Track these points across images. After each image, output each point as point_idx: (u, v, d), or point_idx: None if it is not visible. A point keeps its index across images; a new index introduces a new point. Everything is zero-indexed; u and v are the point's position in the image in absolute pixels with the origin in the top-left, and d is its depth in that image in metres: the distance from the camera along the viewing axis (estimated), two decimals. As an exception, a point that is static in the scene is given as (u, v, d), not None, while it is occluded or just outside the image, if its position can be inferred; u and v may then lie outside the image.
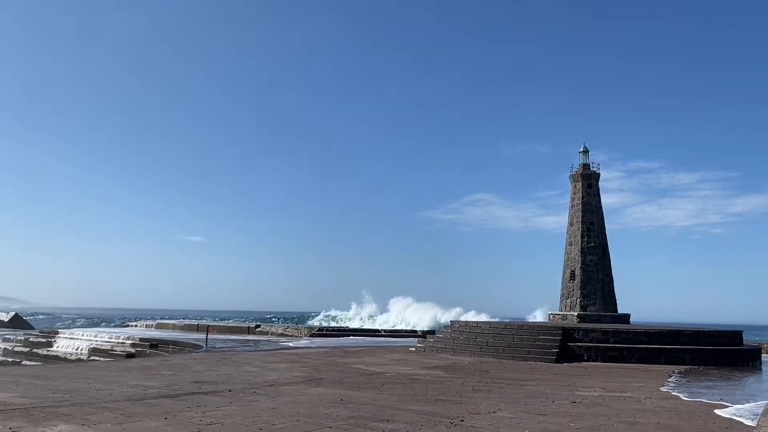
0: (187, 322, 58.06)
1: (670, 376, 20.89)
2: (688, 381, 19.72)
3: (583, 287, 38.29)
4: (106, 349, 37.14)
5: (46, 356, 40.30)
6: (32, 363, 37.05)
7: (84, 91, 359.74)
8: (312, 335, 46.30)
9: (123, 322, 73.71)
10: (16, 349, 43.87)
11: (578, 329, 28.02)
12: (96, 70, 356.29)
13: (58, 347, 41.66)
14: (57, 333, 46.95)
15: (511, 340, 28.25)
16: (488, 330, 30.00)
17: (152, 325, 58.45)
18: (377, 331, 52.67)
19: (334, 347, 33.25)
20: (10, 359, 41.83)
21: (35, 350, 42.21)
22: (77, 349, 39.37)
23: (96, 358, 35.57)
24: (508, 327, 29.69)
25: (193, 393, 14.19)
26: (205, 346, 32.38)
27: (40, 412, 11.02)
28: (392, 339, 44.59)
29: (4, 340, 46.55)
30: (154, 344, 36.13)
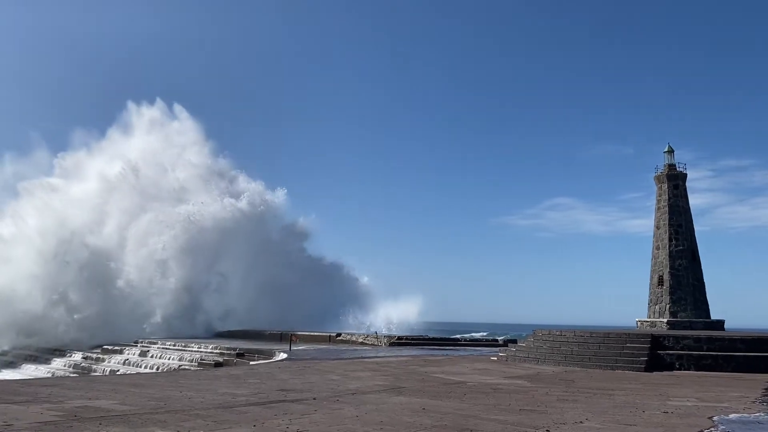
0: (271, 330, 59.55)
1: (772, 385, 19.65)
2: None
3: (672, 293, 36.67)
4: (196, 359, 38.77)
5: (141, 366, 42.43)
6: (130, 372, 39.09)
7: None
8: (392, 344, 46.49)
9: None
10: (113, 360, 46.43)
11: (668, 336, 26.89)
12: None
13: (152, 357, 43.77)
14: (150, 343, 49.33)
15: (597, 349, 27.39)
16: (573, 339, 29.20)
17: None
18: (457, 340, 52.26)
19: (413, 356, 33.28)
20: (110, 369, 44.31)
21: (129, 360, 44.57)
22: (169, 359, 41.25)
23: (186, 367, 37.14)
24: (594, 335, 28.77)
25: (279, 401, 14.57)
26: (288, 355, 33.16)
27: (138, 418, 11.62)
28: (472, 348, 44.16)
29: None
30: (241, 353, 37.36)
